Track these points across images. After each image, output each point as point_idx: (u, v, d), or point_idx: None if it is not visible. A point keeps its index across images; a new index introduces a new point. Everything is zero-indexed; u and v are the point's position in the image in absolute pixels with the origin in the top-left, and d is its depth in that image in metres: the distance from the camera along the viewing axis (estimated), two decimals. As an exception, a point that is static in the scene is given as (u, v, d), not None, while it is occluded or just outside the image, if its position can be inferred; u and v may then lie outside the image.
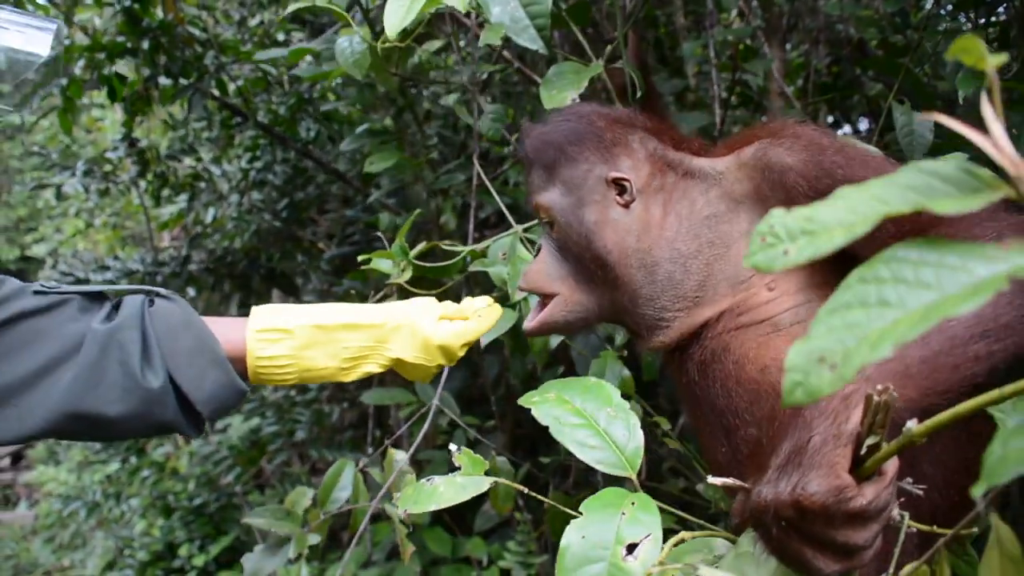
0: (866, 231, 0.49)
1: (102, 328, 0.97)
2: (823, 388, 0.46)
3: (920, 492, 0.74)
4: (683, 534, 0.71)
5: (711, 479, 0.75)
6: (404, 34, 1.76)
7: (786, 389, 0.47)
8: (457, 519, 3.10)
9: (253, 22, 3.21)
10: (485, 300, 1.30)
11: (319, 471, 4.38)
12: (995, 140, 0.49)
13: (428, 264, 1.64)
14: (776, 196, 1.13)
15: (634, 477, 0.83)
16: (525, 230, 1.61)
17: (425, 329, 1.18)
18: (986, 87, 0.48)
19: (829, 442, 0.72)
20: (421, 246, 1.65)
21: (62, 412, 0.94)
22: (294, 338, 1.09)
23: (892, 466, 0.72)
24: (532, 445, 1.86)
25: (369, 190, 3.06)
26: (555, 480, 2.85)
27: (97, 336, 0.96)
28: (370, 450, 3.35)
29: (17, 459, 8.47)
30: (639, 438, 0.86)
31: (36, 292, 0.98)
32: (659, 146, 1.24)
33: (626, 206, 1.20)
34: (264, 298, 3.94)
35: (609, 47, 1.66)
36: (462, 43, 2.75)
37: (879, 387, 0.68)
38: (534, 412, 0.89)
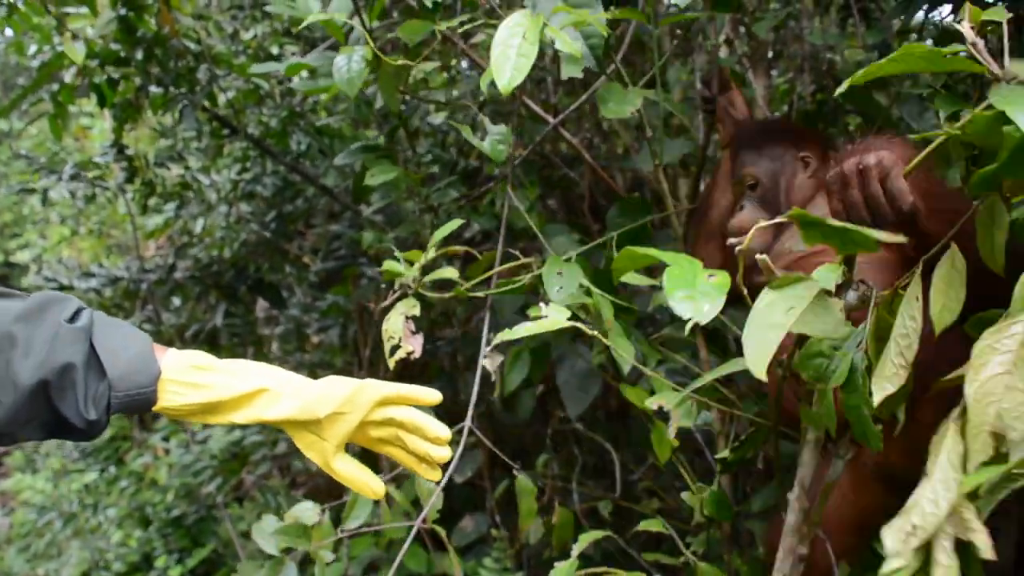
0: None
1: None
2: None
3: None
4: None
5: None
6: (414, 54, 1.85)
7: None
8: (433, 536, 3.09)
9: (247, 35, 3.22)
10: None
11: (299, 484, 4.36)
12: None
13: (502, 289, 1.76)
14: None
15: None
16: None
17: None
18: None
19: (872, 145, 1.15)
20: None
21: None
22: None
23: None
24: (508, 465, 1.88)
25: (357, 206, 3.06)
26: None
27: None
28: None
29: (-6, 466, 8.35)
30: (718, 305, 1.01)
31: None
32: (822, 150, 1.77)
33: (808, 176, 1.71)
34: (250, 309, 3.93)
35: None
36: (454, 62, 2.79)
37: None
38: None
